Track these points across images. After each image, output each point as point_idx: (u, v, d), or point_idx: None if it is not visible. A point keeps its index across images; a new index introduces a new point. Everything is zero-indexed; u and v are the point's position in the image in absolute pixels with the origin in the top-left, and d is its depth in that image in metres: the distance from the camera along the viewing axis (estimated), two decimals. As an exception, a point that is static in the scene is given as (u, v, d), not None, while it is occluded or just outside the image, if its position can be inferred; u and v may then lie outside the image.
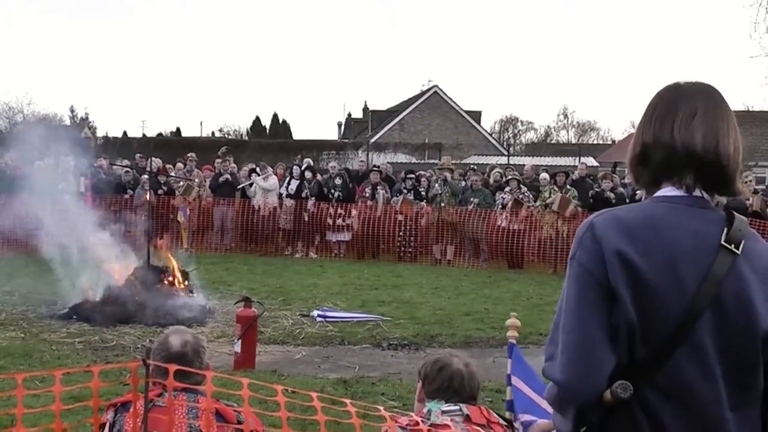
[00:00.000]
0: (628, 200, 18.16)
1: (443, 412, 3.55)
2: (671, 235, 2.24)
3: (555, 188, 18.21)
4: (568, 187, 18.35)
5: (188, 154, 22.12)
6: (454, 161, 25.69)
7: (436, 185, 19.57)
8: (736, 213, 2.31)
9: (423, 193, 19.92)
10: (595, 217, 2.32)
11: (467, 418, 3.54)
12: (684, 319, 2.19)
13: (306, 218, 19.81)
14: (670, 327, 2.19)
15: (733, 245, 2.25)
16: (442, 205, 19.12)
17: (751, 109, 51.28)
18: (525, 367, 4.70)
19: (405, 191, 19.69)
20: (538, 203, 18.42)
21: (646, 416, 2.22)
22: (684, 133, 2.30)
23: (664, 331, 2.20)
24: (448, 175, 19.69)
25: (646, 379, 2.21)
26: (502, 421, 3.65)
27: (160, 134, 56.04)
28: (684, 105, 2.34)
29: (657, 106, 2.39)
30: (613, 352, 2.22)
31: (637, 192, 17.87)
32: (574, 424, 2.31)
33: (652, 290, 2.19)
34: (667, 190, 2.35)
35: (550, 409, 4.35)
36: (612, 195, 17.99)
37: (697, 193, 2.32)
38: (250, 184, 20.27)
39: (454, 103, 53.50)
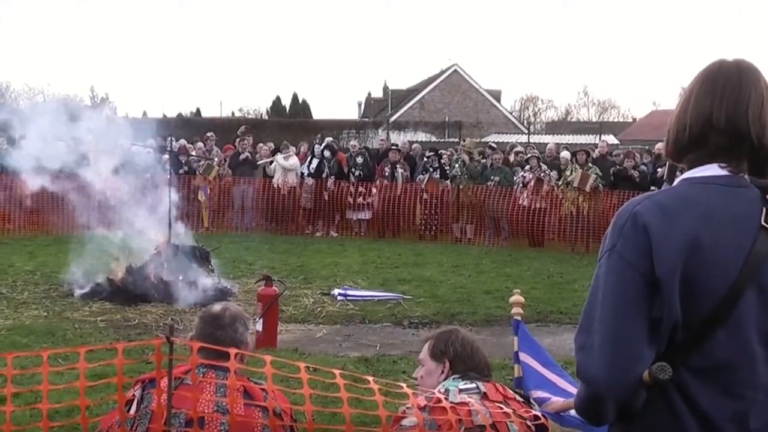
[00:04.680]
0: (649, 178, 18.10)
1: (461, 390, 3.51)
2: (713, 218, 2.19)
3: (576, 166, 18.14)
4: (590, 165, 18.28)
5: (207, 134, 22.14)
6: (473, 139, 25.52)
7: (456, 166, 19.50)
8: None
9: (447, 170, 19.88)
10: (636, 205, 2.24)
11: (484, 396, 3.50)
12: (725, 301, 2.15)
13: (326, 197, 19.84)
14: (711, 309, 2.16)
15: None
16: (461, 187, 19.10)
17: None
18: (532, 343, 4.67)
19: (431, 170, 19.65)
20: (560, 182, 18.36)
21: (683, 398, 2.19)
22: (757, 122, 2.24)
23: (705, 313, 2.16)
24: (466, 157, 19.57)
25: (684, 360, 2.17)
26: (518, 398, 3.63)
27: (179, 114, 56.08)
28: (752, 89, 2.26)
29: (725, 85, 2.28)
30: (653, 346, 2.18)
31: (658, 170, 17.80)
32: (616, 416, 2.28)
33: (698, 275, 2.15)
34: (705, 169, 2.30)
35: (561, 385, 4.33)
36: (635, 173, 17.91)
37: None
38: (270, 162, 20.27)
39: (474, 81, 53.16)
